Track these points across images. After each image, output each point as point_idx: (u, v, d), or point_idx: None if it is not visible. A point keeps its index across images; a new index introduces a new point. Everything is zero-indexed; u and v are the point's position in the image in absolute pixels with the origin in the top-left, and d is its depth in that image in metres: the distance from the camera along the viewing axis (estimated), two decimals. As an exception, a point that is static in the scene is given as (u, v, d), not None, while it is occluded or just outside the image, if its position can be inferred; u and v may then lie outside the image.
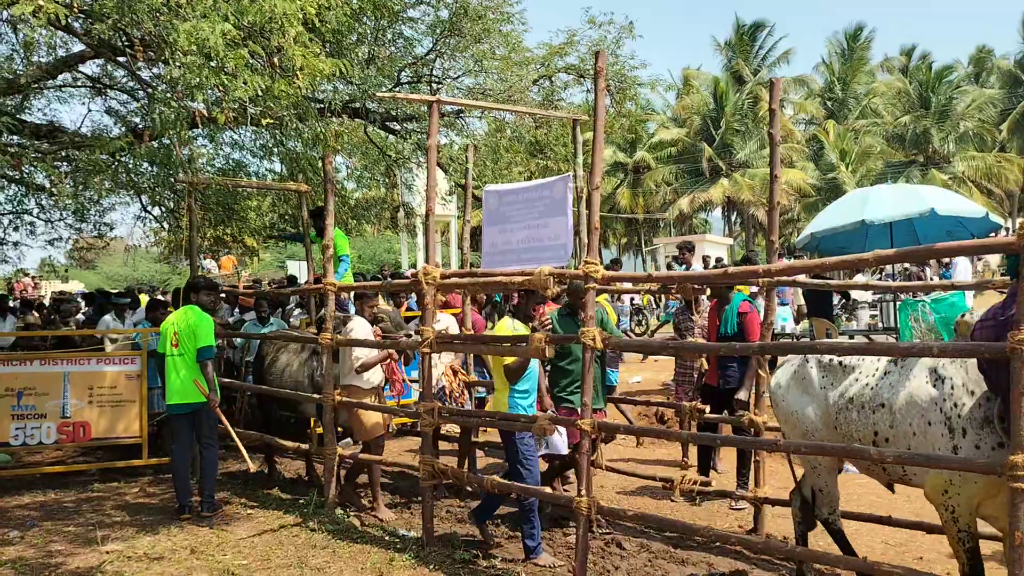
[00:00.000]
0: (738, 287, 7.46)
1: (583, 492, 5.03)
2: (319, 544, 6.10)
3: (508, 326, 6.05)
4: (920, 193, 10.99)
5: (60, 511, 7.23)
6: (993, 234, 10.56)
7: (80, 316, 12.59)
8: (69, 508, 7.33)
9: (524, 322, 6.00)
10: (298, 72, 5.09)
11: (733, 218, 44.17)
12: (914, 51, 44.88)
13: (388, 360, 7.13)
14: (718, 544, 5.82)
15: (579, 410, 5.94)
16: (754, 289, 9.73)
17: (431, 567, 5.52)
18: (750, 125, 40.39)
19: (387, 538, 6.25)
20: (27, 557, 5.92)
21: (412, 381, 8.37)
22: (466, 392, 7.92)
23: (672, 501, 7.08)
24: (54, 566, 5.72)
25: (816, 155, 41.26)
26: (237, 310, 11.96)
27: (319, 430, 8.04)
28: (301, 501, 7.28)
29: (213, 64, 5.07)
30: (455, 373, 7.71)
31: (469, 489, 7.32)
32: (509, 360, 5.79)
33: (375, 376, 7.07)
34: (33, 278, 25.67)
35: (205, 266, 23.06)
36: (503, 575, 5.29)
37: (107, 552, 6.00)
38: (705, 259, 18.59)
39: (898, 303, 10.23)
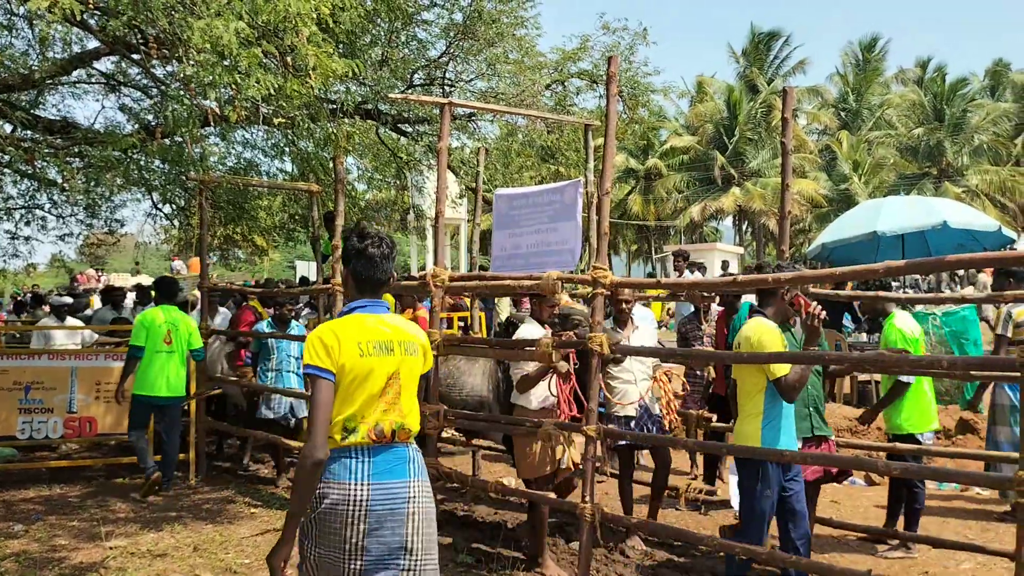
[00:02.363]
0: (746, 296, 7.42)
1: (587, 499, 5.01)
2: (321, 544, 6.08)
3: (771, 327, 4.47)
4: (933, 205, 10.96)
5: (65, 506, 7.25)
6: (1008, 247, 10.50)
7: (88, 312, 12.60)
8: (74, 503, 7.35)
9: (779, 320, 4.57)
10: (311, 72, 5.10)
11: (744, 227, 44.07)
12: (929, 63, 44.71)
13: (552, 374, 5.45)
14: (722, 553, 5.77)
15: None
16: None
17: (433, 570, 5.49)
18: (763, 134, 40.34)
19: (390, 540, 6.23)
20: (31, 551, 5.93)
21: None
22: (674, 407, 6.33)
23: (677, 509, 7.04)
24: (58, 560, 5.72)
25: (829, 166, 41.17)
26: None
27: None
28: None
29: (227, 62, 5.08)
30: (670, 381, 6.26)
31: (493, 495, 6.55)
32: (785, 369, 4.27)
33: (544, 393, 5.62)
34: (98, 271, 25.66)
35: (174, 267, 23.16)
36: (505, 580, 5.27)
37: (111, 548, 6.00)
38: (725, 263, 18.59)
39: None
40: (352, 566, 2.82)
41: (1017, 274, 6.71)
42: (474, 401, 6.30)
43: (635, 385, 6.11)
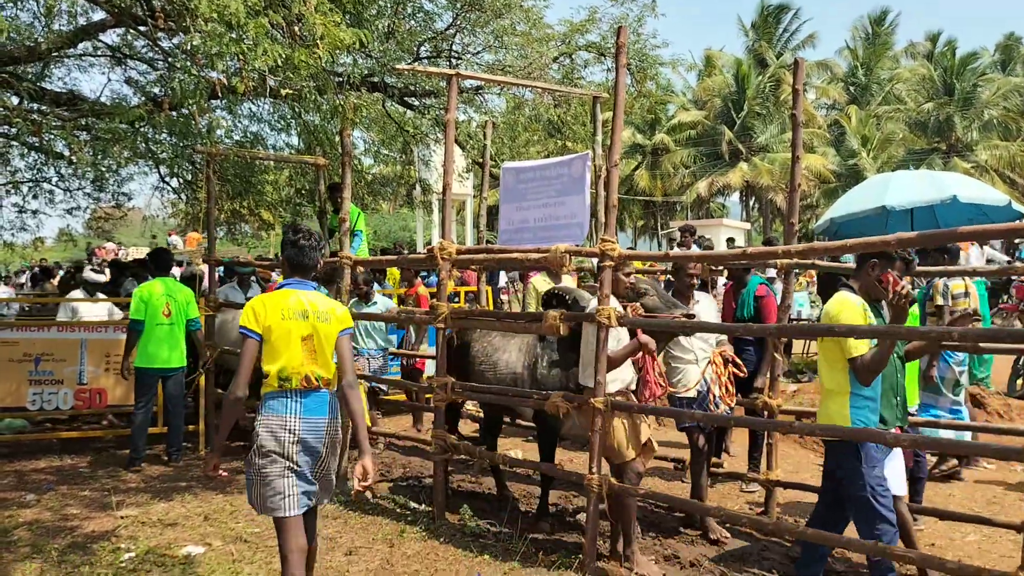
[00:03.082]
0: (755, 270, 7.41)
1: (594, 470, 5.03)
2: (331, 515, 6.14)
3: (855, 302, 4.21)
4: (942, 180, 10.84)
5: (76, 476, 7.32)
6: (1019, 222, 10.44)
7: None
8: (84, 473, 7.42)
9: (868, 297, 4.27)
10: (319, 42, 5.06)
11: (751, 203, 43.87)
12: (939, 37, 44.20)
13: (641, 352, 5.19)
14: (728, 524, 5.82)
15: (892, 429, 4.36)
16: (772, 273, 9.68)
17: (441, 540, 5.55)
18: (771, 109, 40.02)
19: (398, 510, 6.28)
20: (43, 520, 6.00)
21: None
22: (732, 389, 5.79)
23: (683, 482, 7.07)
24: (70, 529, 5.79)
25: (837, 141, 40.85)
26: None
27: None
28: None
29: (234, 33, 5.05)
30: (726, 363, 5.74)
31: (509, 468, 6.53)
32: (862, 348, 4.07)
33: (624, 374, 5.30)
34: (118, 244, 25.65)
35: (169, 241, 23.19)
36: (511, 548, 5.31)
37: (122, 517, 6.07)
38: (729, 241, 18.46)
39: (916, 290, 10.15)
40: (289, 476, 3.83)
41: (951, 251, 7.30)
42: (507, 378, 5.95)
43: (696, 365, 5.84)
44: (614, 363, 5.09)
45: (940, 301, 7.32)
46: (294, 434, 3.82)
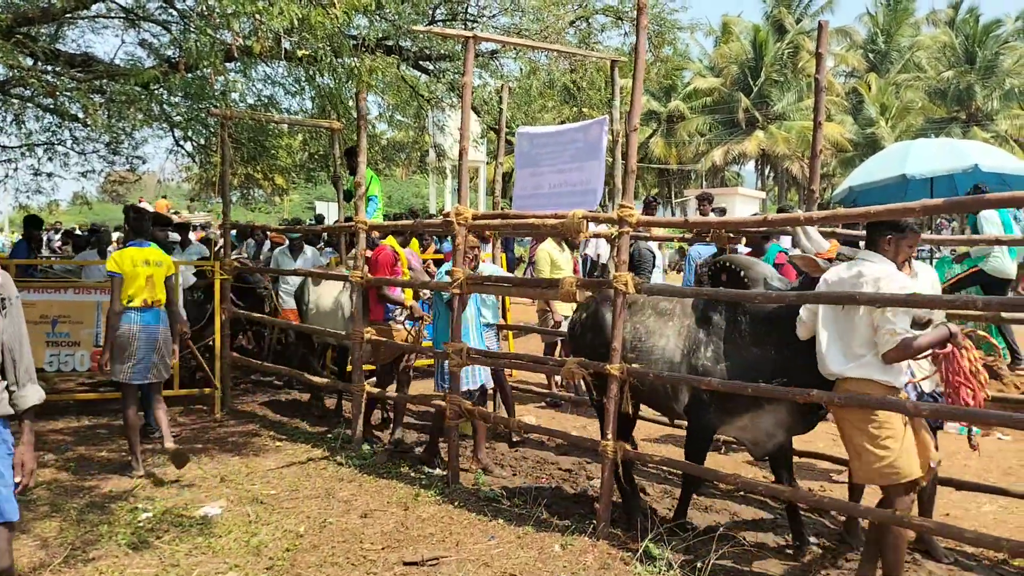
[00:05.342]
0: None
1: (609, 436, 5.03)
2: (346, 477, 6.18)
3: None
4: (963, 148, 10.74)
5: (93, 437, 7.38)
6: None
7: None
8: (102, 435, 7.48)
9: None
10: (335, 1, 4.99)
11: (767, 172, 43.50)
12: (962, 3, 43.44)
13: (949, 348, 3.90)
14: (742, 493, 5.82)
15: None
16: (788, 243, 9.58)
17: (456, 504, 5.57)
18: (789, 76, 39.58)
19: (413, 475, 6.31)
20: (62, 480, 6.06)
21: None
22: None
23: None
24: (88, 489, 5.85)
25: (855, 109, 40.37)
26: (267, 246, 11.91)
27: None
28: (329, 436, 7.36)
29: (249, -8, 4.98)
30: (983, 349, 4.28)
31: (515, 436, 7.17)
32: None
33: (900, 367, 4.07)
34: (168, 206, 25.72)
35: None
36: (527, 515, 5.33)
37: (139, 477, 6.13)
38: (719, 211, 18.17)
39: (934, 261, 10.06)
40: (131, 360, 6.19)
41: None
42: (663, 368, 4.96)
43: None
44: (915, 351, 3.88)
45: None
46: (137, 334, 6.17)
